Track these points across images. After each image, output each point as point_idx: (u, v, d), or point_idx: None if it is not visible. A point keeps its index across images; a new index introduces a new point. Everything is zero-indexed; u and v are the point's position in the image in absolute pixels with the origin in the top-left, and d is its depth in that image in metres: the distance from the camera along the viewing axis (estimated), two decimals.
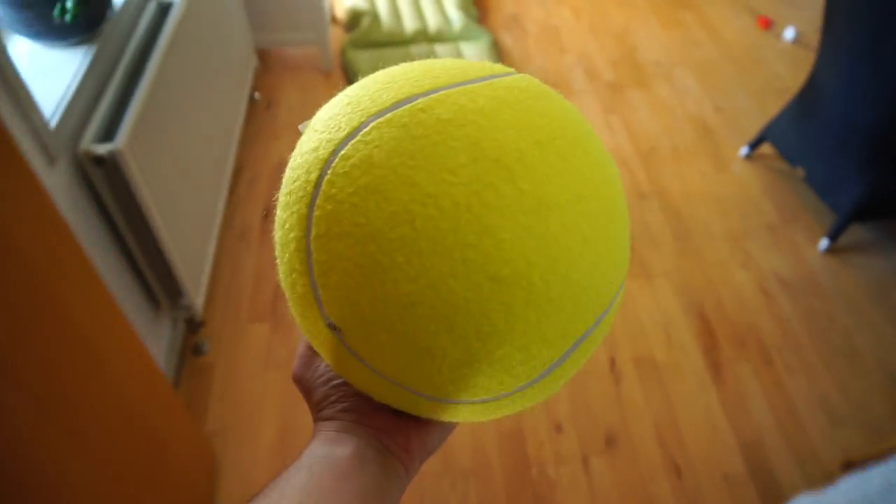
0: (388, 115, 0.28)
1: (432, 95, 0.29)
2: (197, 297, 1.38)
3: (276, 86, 2.27)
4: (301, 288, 0.29)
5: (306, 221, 0.28)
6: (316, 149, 0.29)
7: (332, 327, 0.28)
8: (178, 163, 1.34)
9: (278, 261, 0.31)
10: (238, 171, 1.94)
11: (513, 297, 0.26)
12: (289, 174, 0.31)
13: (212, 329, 1.54)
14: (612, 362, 1.52)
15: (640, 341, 1.57)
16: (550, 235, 0.26)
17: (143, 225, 1.16)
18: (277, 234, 0.31)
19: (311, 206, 0.28)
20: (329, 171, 0.28)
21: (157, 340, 1.33)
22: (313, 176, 0.28)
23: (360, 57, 2.30)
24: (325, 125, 0.30)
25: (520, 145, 0.27)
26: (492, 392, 0.29)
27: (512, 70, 0.32)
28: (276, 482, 0.30)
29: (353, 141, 0.28)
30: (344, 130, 0.29)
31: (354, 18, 2.50)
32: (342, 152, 0.28)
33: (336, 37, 2.51)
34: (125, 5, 1.31)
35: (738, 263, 1.75)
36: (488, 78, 0.30)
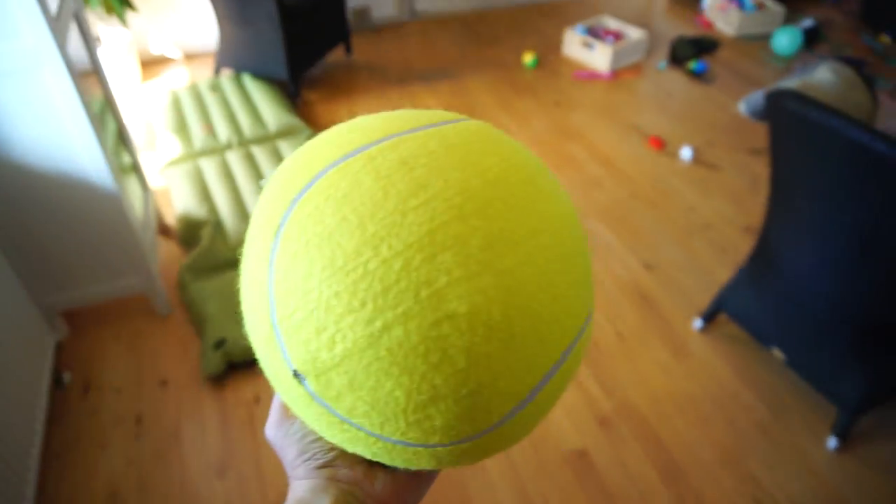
0: (342, 164, 0.28)
1: (385, 142, 0.29)
2: None
3: (95, 355, 1.66)
4: (265, 334, 0.29)
5: (267, 270, 0.28)
6: (274, 200, 0.29)
7: (297, 374, 0.28)
8: None
9: (244, 310, 0.31)
10: None
11: (473, 333, 0.25)
12: (252, 224, 0.31)
13: None
14: None
15: None
16: (507, 270, 0.26)
17: None
18: (243, 282, 0.30)
19: (271, 254, 0.28)
20: (286, 222, 0.28)
21: None
22: (271, 229, 0.28)
23: (208, 288, 1.75)
24: (283, 177, 0.30)
25: (470, 184, 0.27)
26: (465, 433, 0.28)
27: (464, 116, 0.33)
28: None
29: (308, 191, 0.28)
30: (300, 181, 0.29)
31: (190, 231, 1.95)
32: (299, 201, 0.28)
33: (170, 257, 1.95)
34: None
35: (749, 499, 1.37)
36: (439, 124, 0.31)
